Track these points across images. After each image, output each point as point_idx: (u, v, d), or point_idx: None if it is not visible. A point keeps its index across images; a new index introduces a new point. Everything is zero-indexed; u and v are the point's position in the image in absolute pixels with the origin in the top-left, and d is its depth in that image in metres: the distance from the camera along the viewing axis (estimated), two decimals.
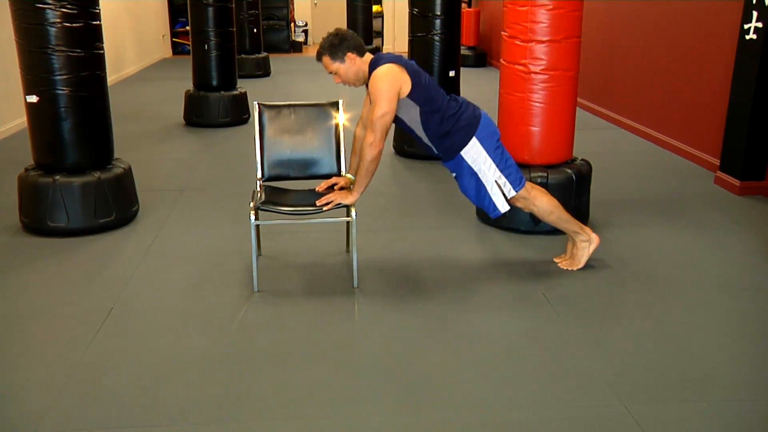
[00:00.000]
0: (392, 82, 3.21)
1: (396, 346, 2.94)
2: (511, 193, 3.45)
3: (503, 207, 3.45)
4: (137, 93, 9.60)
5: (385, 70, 3.22)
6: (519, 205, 3.57)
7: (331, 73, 3.35)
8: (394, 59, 3.27)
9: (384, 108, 3.20)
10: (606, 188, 5.00)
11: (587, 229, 3.66)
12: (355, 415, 2.48)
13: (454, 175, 3.54)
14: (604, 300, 3.37)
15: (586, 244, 3.63)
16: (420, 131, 3.39)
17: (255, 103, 3.68)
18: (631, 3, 7.01)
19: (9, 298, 3.39)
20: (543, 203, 3.54)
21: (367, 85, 3.37)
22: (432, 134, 3.38)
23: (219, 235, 4.18)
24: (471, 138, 3.36)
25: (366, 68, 3.30)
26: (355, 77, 3.33)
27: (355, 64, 3.29)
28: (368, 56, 3.32)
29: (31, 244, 4.04)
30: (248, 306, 3.29)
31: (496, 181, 3.41)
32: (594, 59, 7.69)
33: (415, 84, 3.26)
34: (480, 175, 3.42)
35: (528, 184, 3.52)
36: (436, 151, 3.47)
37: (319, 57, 3.33)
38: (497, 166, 3.41)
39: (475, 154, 3.38)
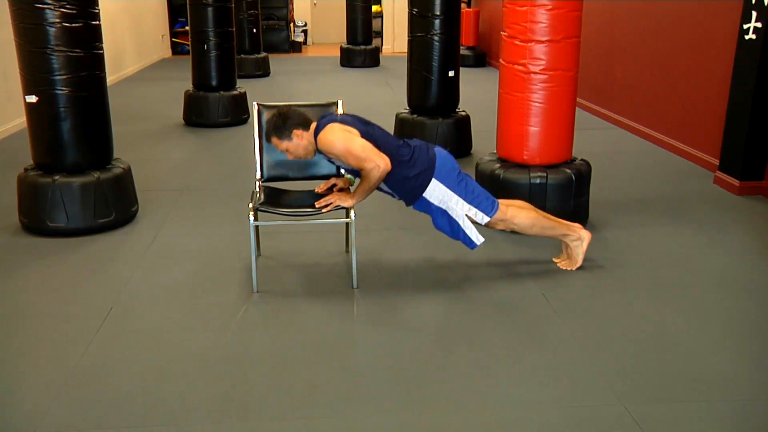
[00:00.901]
0: (344, 134, 3.20)
1: (395, 346, 2.94)
2: (484, 220, 3.41)
3: (478, 239, 3.41)
4: (137, 93, 9.60)
5: (327, 131, 3.21)
6: (499, 227, 3.53)
7: (282, 151, 3.37)
8: (332, 119, 3.28)
9: (363, 157, 3.16)
10: (605, 188, 5.00)
11: (574, 227, 3.64)
12: (355, 415, 2.48)
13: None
14: (604, 300, 3.37)
15: (578, 242, 3.62)
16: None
17: (254, 103, 3.68)
18: (631, 3, 7.01)
19: (9, 298, 3.39)
20: (521, 220, 3.49)
21: (320, 152, 3.35)
22: (391, 182, 3.36)
23: (218, 236, 4.18)
24: (431, 180, 3.34)
25: (313, 140, 3.30)
26: (305, 151, 3.35)
27: (302, 139, 3.31)
28: (313, 126, 3.32)
29: (31, 244, 4.04)
30: (248, 306, 3.29)
31: (466, 215, 3.38)
32: (594, 59, 7.69)
33: (362, 133, 3.24)
34: (450, 213, 3.39)
35: (502, 205, 3.46)
36: (397, 198, 3.45)
37: (267, 139, 3.39)
38: (464, 199, 3.37)
39: (439, 194, 3.36)
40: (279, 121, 3.30)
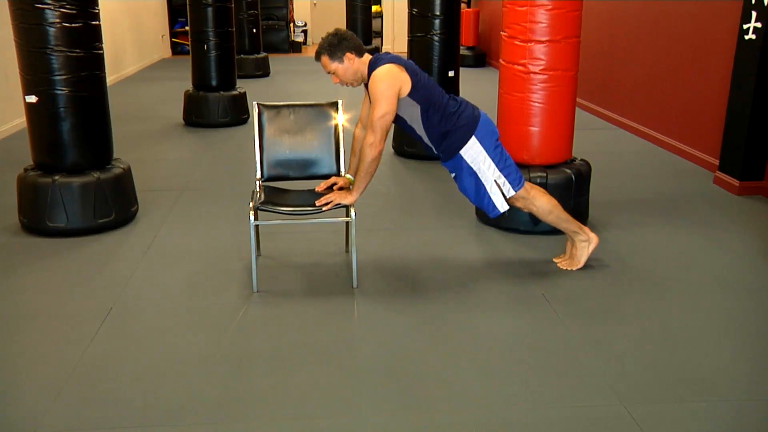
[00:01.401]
0: (392, 83, 3.21)
1: (395, 346, 2.94)
2: (510, 192, 3.45)
3: (502, 206, 3.45)
4: (137, 93, 9.60)
5: (384, 70, 3.22)
6: (518, 205, 3.57)
7: (329, 72, 3.35)
8: (393, 59, 3.27)
9: (384, 108, 3.20)
10: (605, 188, 5.00)
11: (586, 229, 3.66)
12: (355, 415, 2.48)
13: (453, 175, 3.54)
14: (604, 300, 3.37)
15: (585, 243, 3.63)
16: (420, 130, 3.39)
17: (254, 103, 3.68)
18: (631, 3, 7.01)
19: (8, 298, 3.39)
20: (542, 203, 3.54)
21: (366, 86, 3.37)
22: (432, 133, 3.39)
23: (218, 235, 4.18)
24: (470, 137, 3.36)
25: (365, 69, 3.31)
26: (353, 77, 3.34)
27: (353, 64, 3.29)
28: (367, 57, 3.32)
29: (31, 244, 4.04)
30: (248, 306, 3.29)
31: (495, 181, 3.41)
32: (594, 59, 7.69)
33: (414, 83, 3.26)
34: (479, 175, 3.42)
35: (527, 184, 3.52)
36: (435, 151, 3.47)
37: (317, 57, 3.33)
38: (496, 165, 3.41)
39: (474, 153, 3.38)
40: (334, 40, 3.27)
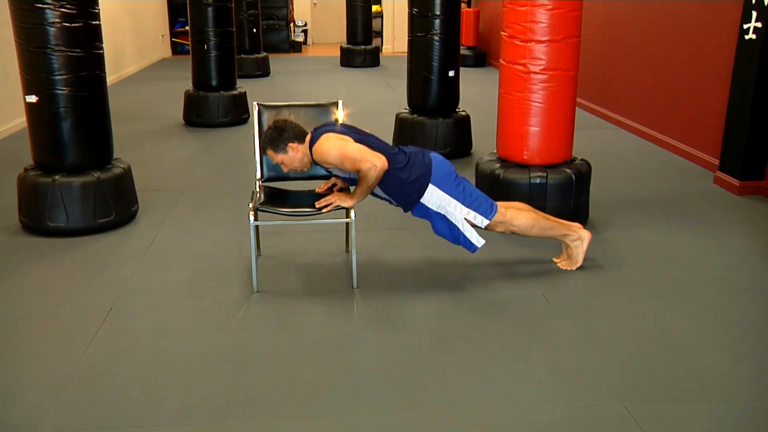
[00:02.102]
0: (339, 142, 3.22)
1: (395, 346, 2.94)
2: (484, 223, 3.41)
3: (479, 242, 3.41)
4: (137, 93, 9.60)
5: (323, 141, 3.23)
6: (499, 230, 3.51)
7: (277, 164, 3.41)
8: (327, 129, 3.30)
9: (360, 158, 3.16)
10: (605, 188, 5.00)
11: (574, 227, 3.64)
12: (355, 415, 2.48)
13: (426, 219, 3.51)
14: (604, 300, 3.37)
15: (578, 242, 3.62)
16: (376, 189, 3.37)
17: (254, 103, 3.68)
18: (631, 3, 7.01)
19: (8, 298, 3.39)
20: (521, 222, 3.49)
21: (317, 164, 3.37)
22: (388, 189, 3.36)
23: (218, 235, 4.18)
24: (427, 185, 3.34)
25: (308, 151, 3.32)
26: (300, 164, 3.38)
27: (297, 152, 3.34)
28: (308, 138, 3.34)
29: (31, 244, 4.04)
30: (248, 306, 3.29)
31: (465, 218, 3.38)
32: (594, 59, 7.69)
33: (358, 142, 3.26)
34: (449, 217, 3.39)
35: (501, 207, 3.45)
36: (395, 204, 3.46)
37: (263, 151, 3.43)
38: (462, 203, 3.37)
39: (437, 199, 3.36)
40: (274, 134, 3.33)
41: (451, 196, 3.36)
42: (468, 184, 3.44)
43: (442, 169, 3.38)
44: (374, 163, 3.18)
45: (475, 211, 3.39)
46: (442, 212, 3.38)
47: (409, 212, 3.48)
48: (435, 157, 3.41)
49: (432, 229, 3.49)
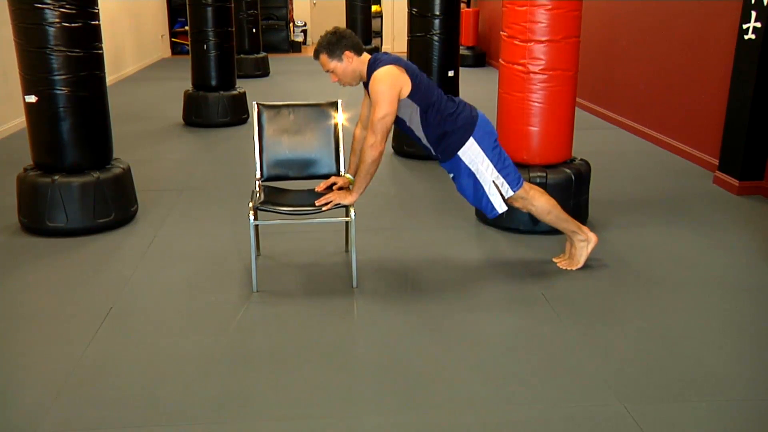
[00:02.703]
0: (392, 84, 3.21)
1: (395, 346, 2.94)
2: (508, 193, 3.45)
3: (501, 207, 3.45)
4: (136, 93, 9.60)
5: (385, 71, 3.22)
6: (517, 205, 3.57)
7: (327, 71, 3.35)
8: (393, 60, 3.27)
9: (385, 109, 3.20)
10: (605, 188, 5.00)
11: (585, 229, 3.66)
12: (355, 415, 2.48)
13: (451, 176, 3.54)
14: (604, 300, 3.37)
15: (584, 243, 3.63)
16: (419, 131, 3.39)
17: (254, 103, 3.68)
18: (630, 3, 7.02)
19: (8, 298, 3.39)
20: (541, 203, 3.54)
21: (365, 85, 3.37)
22: (430, 134, 3.39)
23: (218, 235, 4.18)
24: (468, 138, 3.36)
25: (364, 68, 3.30)
26: (352, 76, 3.33)
27: (352, 63, 3.29)
28: (366, 56, 3.32)
29: (30, 244, 4.03)
30: (247, 306, 3.29)
31: (493, 182, 3.41)
32: (594, 59, 7.69)
33: (414, 85, 3.26)
34: (477, 176, 3.42)
35: (526, 184, 3.52)
36: (434, 152, 3.47)
37: (316, 55, 3.32)
38: (495, 166, 3.41)
39: (472, 154, 3.38)
40: (333, 38, 3.26)
41: (486, 155, 3.39)
42: (504, 152, 3.48)
43: (485, 127, 3.42)
44: (378, 139, 3.20)
45: (504, 178, 3.43)
46: (473, 169, 3.41)
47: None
48: (482, 115, 3.45)
49: (456, 186, 3.53)
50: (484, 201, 3.45)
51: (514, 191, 3.45)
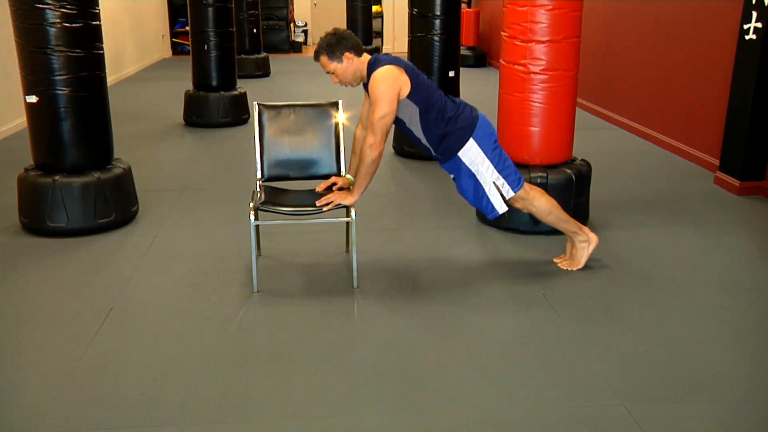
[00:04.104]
0: (392, 84, 3.21)
1: (395, 346, 2.94)
2: (509, 194, 3.45)
3: (501, 208, 3.45)
4: (137, 93, 9.60)
5: (384, 71, 3.22)
6: (518, 206, 3.57)
7: (328, 72, 3.35)
8: (393, 60, 3.27)
9: (384, 109, 3.20)
10: (606, 188, 5.00)
11: (586, 229, 3.66)
12: (355, 415, 2.48)
13: (452, 176, 3.54)
14: (604, 300, 3.37)
15: (585, 244, 3.63)
16: (419, 132, 3.40)
17: (255, 103, 3.68)
18: (631, 3, 7.01)
19: (9, 298, 3.39)
20: (541, 204, 3.54)
21: (365, 86, 3.37)
22: (430, 135, 3.39)
23: (219, 235, 4.18)
24: (468, 139, 3.37)
25: (364, 68, 3.31)
26: (352, 77, 3.33)
27: (352, 63, 3.29)
28: (366, 56, 3.32)
29: (31, 244, 4.04)
30: (248, 306, 3.29)
31: (494, 183, 3.42)
32: (594, 59, 7.69)
33: (414, 85, 3.26)
34: (478, 177, 3.42)
35: (526, 185, 3.52)
36: (434, 153, 3.48)
37: (316, 56, 3.33)
38: (495, 167, 3.41)
39: (473, 155, 3.39)
40: (333, 40, 3.27)
41: (486, 156, 3.39)
42: (504, 153, 3.49)
43: (486, 128, 3.42)
44: (377, 139, 3.20)
45: (505, 179, 3.43)
46: (473, 170, 3.41)
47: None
48: (482, 116, 3.45)
49: (456, 187, 3.53)
50: (484, 202, 3.45)
51: (514, 192, 3.46)
